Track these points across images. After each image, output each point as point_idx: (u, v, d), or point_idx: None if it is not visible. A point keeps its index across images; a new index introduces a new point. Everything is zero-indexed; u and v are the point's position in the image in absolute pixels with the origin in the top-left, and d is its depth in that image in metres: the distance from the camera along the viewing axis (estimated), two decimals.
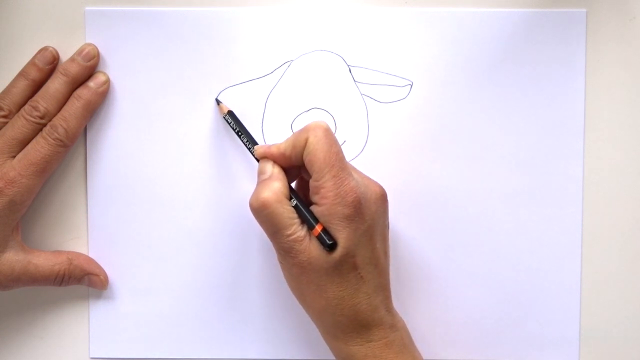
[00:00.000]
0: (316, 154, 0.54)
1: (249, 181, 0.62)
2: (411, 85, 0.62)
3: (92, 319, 0.63)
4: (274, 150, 0.57)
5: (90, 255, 0.63)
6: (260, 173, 0.57)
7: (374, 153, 0.62)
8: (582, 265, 0.63)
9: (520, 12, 0.62)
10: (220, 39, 0.62)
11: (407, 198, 0.62)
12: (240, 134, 0.60)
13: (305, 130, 0.55)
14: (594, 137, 0.62)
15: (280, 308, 0.63)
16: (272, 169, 0.56)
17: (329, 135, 0.55)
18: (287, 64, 0.62)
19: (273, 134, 0.62)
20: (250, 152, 0.59)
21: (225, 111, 0.61)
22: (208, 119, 0.62)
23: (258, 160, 0.58)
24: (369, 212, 0.55)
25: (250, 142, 0.59)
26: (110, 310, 0.63)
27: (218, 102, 0.61)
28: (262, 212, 0.55)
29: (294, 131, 0.62)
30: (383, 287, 0.56)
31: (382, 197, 0.56)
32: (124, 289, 0.63)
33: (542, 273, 0.63)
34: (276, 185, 0.55)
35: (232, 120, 0.60)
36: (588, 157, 0.62)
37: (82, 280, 0.62)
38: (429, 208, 0.62)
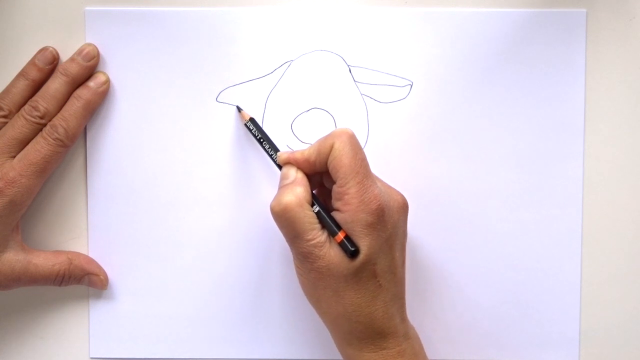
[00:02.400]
0: (342, 160, 0.54)
1: (250, 181, 0.62)
2: (411, 85, 0.62)
3: (92, 319, 0.63)
4: (298, 155, 0.57)
5: (90, 255, 0.63)
6: (283, 178, 0.57)
7: (373, 153, 0.62)
8: (582, 265, 0.63)
9: (520, 12, 0.62)
10: (220, 39, 0.62)
11: (407, 198, 0.62)
12: (262, 140, 0.60)
13: (330, 136, 0.55)
14: (594, 137, 0.62)
15: (282, 308, 0.63)
16: (295, 174, 0.56)
17: (354, 141, 0.55)
18: (287, 64, 0.62)
19: (273, 134, 0.62)
20: (272, 159, 0.59)
21: (247, 118, 0.60)
22: (208, 119, 0.62)
23: (279, 168, 0.58)
24: (391, 221, 0.55)
25: (272, 148, 0.59)
26: (110, 310, 0.63)
27: (239, 109, 0.61)
28: (283, 216, 0.55)
29: (294, 131, 0.62)
30: (399, 296, 0.56)
31: (404, 207, 0.57)
32: (124, 289, 0.63)
33: (542, 273, 0.63)
34: (299, 190, 0.55)
35: (254, 127, 0.60)
36: (588, 157, 0.63)
37: (82, 280, 0.62)
38: (429, 208, 0.62)
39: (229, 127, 0.62)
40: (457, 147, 0.62)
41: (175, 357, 0.63)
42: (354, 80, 0.62)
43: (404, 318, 0.57)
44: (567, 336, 0.63)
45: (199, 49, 0.62)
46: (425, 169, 0.62)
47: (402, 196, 0.57)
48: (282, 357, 0.63)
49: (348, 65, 0.62)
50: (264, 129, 0.62)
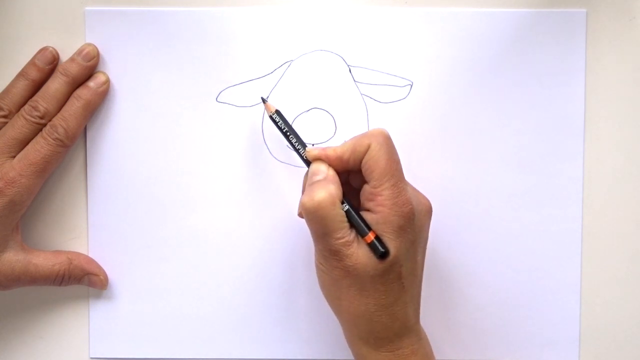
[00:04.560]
0: (378, 161, 0.54)
1: (250, 181, 0.62)
2: (411, 85, 0.62)
3: (92, 319, 0.63)
4: (331, 153, 0.56)
5: (90, 255, 0.63)
6: (314, 174, 0.56)
7: None
8: (582, 265, 0.63)
9: (520, 12, 0.62)
10: (221, 39, 0.62)
11: None
12: (288, 134, 0.59)
13: (367, 136, 0.55)
14: (594, 137, 0.62)
15: (282, 307, 0.63)
16: (327, 171, 0.56)
17: (390, 143, 0.55)
18: (287, 64, 0.62)
19: (273, 134, 0.62)
20: (298, 152, 0.58)
21: (273, 110, 0.59)
22: (208, 119, 0.62)
23: (306, 163, 0.57)
24: (419, 225, 0.55)
25: (299, 142, 0.58)
26: (110, 310, 0.63)
27: (264, 100, 0.61)
28: (315, 213, 0.54)
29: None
30: (417, 298, 0.57)
31: (430, 211, 0.57)
32: (124, 289, 0.63)
33: (542, 273, 0.63)
34: (332, 188, 0.55)
35: (280, 119, 0.59)
36: (588, 157, 0.62)
37: (82, 280, 0.62)
38: None
39: (229, 127, 0.62)
40: (457, 147, 0.62)
41: (175, 357, 0.63)
42: (354, 80, 0.62)
43: (418, 319, 0.57)
44: (567, 336, 0.63)
45: (199, 49, 0.62)
46: (425, 169, 0.62)
47: (429, 201, 0.57)
48: (283, 357, 0.63)
49: (348, 65, 0.62)
50: (265, 129, 0.62)
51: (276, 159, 0.62)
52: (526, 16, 0.62)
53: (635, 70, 0.62)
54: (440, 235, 0.62)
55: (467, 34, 0.62)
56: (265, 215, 0.62)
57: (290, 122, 0.62)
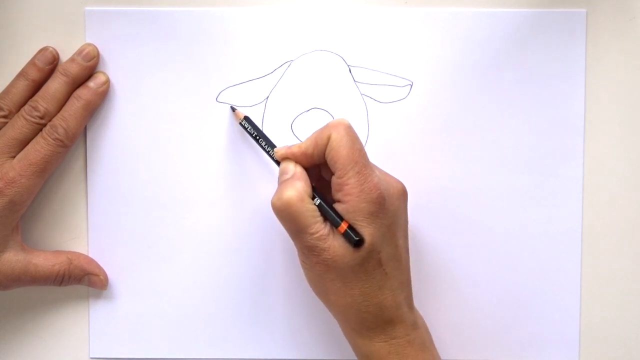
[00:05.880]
0: (339, 151, 0.54)
1: (250, 180, 0.62)
2: (411, 85, 0.62)
3: (92, 319, 0.63)
4: (295, 149, 0.57)
5: (90, 255, 0.63)
6: (282, 173, 0.57)
7: (373, 153, 0.62)
8: (582, 265, 0.63)
9: (520, 12, 0.62)
10: (221, 39, 0.62)
11: None
12: (258, 138, 0.59)
13: (327, 127, 0.55)
14: (594, 137, 0.62)
15: (283, 307, 0.63)
16: (294, 169, 0.56)
17: (351, 132, 0.55)
18: (287, 64, 0.62)
19: (273, 134, 0.62)
20: (270, 155, 0.59)
21: (242, 117, 0.60)
22: (208, 119, 0.62)
23: (277, 163, 0.58)
24: (392, 208, 0.55)
25: (268, 145, 0.59)
26: (110, 310, 0.63)
27: (233, 108, 0.61)
28: (285, 212, 0.55)
29: (294, 131, 0.62)
30: (406, 284, 0.57)
31: (404, 193, 0.57)
32: (124, 289, 0.63)
33: (542, 273, 0.63)
34: (299, 185, 0.55)
35: (249, 125, 0.60)
36: (588, 157, 0.63)
37: (82, 280, 0.62)
38: (428, 208, 0.62)
39: (229, 127, 0.62)
40: (457, 147, 0.62)
41: (175, 357, 0.63)
42: (354, 80, 0.62)
43: (411, 306, 0.57)
44: (567, 336, 0.63)
45: (199, 49, 0.62)
46: (425, 169, 0.62)
47: (401, 183, 0.57)
48: (283, 357, 0.63)
49: (348, 65, 0.62)
50: (264, 128, 0.62)
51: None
52: (526, 16, 0.62)
53: (635, 70, 0.62)
54: (439, 234, 0.62)
55: (467, 33, 0.62)
56: (266, 214, 0.62)
57: (290, 122, 0.62)
